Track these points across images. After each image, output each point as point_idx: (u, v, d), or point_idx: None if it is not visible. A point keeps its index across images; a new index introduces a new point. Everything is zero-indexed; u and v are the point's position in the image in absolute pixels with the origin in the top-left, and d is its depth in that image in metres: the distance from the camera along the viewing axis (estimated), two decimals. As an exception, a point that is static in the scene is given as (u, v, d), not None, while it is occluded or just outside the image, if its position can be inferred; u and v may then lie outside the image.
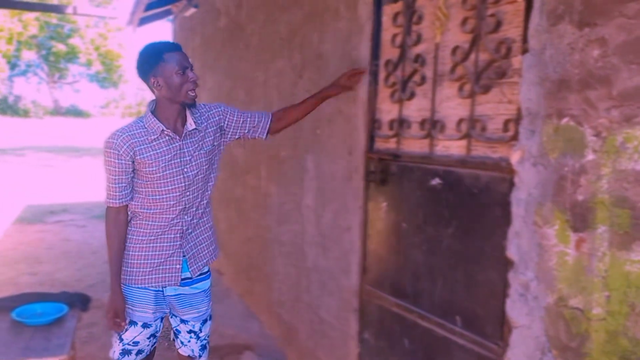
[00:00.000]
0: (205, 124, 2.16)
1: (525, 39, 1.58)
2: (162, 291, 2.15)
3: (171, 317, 2.27)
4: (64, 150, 18.77)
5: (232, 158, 4.92)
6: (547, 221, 1.46)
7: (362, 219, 2.45)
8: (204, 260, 2.22)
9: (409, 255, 2.10)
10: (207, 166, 2.16)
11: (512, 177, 1.62)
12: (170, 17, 8.26)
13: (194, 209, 2.15)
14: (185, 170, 2.07)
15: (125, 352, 2.13)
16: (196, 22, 6.38)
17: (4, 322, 2.52)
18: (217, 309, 4.30)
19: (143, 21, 7.68)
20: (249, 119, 2.32)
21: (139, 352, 2.16)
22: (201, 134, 2.12)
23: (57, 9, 8.63)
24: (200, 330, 2.26)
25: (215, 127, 2.20)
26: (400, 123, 2.13)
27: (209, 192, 2.23)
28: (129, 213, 2.12)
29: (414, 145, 2.07)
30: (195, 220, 2.16)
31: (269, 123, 2.36)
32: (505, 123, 1.66)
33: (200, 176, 2.13)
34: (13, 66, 31.29)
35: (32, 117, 31.89)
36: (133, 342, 2.13)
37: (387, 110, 2.23)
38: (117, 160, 1.98)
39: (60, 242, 6.47)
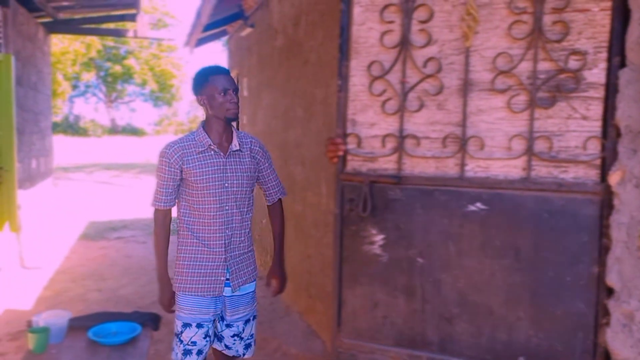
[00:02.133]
0: (248, 150, 2.39)
1: (610, 52, 1.49)
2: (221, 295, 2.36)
3: (216, 325, 2.44)
4: (122, 167, 19.46)
5: (289, 175, 4.93)
6: (654, 246, 1.36)
7: (338, 258, 1.90)
8: (244, 278, 2.41)
9: (430, 295, 1.73)
10: (247, 188, 2.36)
11: (602, 199, 1.51)
12: (226, 37, 8.45)
13: (235, 225, 2.35)
14: (226, 185, 2.29)
15: (186, 352, 2.32)
16: (252, 41, 6.48)
17: (81, 341, 2.57)
18: (278, 327, 4.29)
19: (199, 42, 7.89)
20: (270, 181, 2.51)
21: (199, 352, 2.33)
22: (243, 156, 2.36)
23: (119, 33, 8.99)
24: (243, 330, 2.44)
25: (253, 158, 2.41)
26: (402, 139, 1.74)
27: (250, 215, 2.44)
28: (176, 224, 2.36)
29: (425, 165, 1.71)
30: (237, 238, 2.36)
31: (273, 201, 2.55)
32: (584, 141, 1.54)
33: (239, 194, 2.33)
34: (73, 87, 32.85)
35: (90, 136, 33.33)
36: (192, 342, 2.32)
37: (371, 123, 1.79)
38: (167, 168, 2.26)
39: (122, 259, 6.65)
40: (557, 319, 1.60)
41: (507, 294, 1.63)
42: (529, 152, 1.59)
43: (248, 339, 2.47)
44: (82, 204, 11.20)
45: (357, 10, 1.77)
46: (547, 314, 1.60)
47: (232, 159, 2.32)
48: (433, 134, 1.70)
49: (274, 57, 5.44)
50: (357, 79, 1.80)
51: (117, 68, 33.08)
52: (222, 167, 2.28)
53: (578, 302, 1.56)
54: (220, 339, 2.43)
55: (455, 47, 1.66)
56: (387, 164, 1.78)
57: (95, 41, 29.07)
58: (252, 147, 2.42)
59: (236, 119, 2.31)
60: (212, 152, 2.28)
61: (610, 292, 1.52)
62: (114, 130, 36.36)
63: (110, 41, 30.53)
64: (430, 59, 1.68)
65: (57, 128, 30.88)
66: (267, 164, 2.47)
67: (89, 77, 33.54)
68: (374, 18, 1.74)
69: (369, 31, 1.76)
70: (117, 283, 5.51)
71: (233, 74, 7.92)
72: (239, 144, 2.34)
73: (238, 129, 2.44)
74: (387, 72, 1.74)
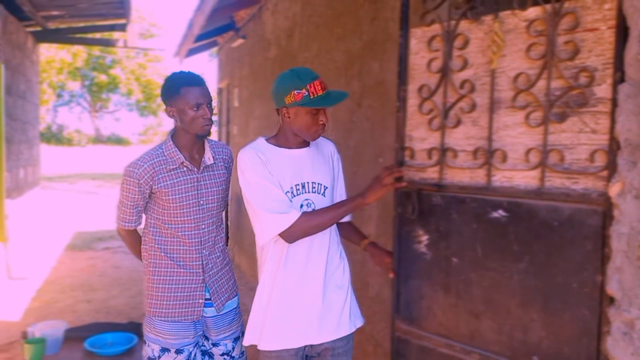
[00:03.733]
0: (221, 161, 2.24)
1: (616, 68, 1.54)
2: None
3: (202, 343, 2.27)
4: (106, 177, 19.28)
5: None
6: (654, 255, 1.40)
7: (396, 256, 2.14)
8: (226, 295, 2.26)
9: (461, 291, 1.93)
10: (221, 202, 2.23)
11: (605, 209, 1.55)
12: (215, 48, 8.47)
13: (211, 244, 2.20)
14: (201, 202, 2.13)
15: None
16: (244, 52, 6.51)
17: (77, 352, 2.56)
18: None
19: (189, 53, 7.89)
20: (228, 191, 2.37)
21: None
22: (217, 168, 2.21)
23: (109, 43, 8.97)
24: (233, 349, 2.28)
25: (227, 170, 2.28)
26: (444, 152, 1.98)
27: (223, 226, 2.30)
28: (148, 247, 2.18)
29: (462, 175, 1.93)
30: (213, 256, 2.21)
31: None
32: (591, 154, 1.60)
33: (215, 211, 2.19)
34: (58, 96, 32.56)
35: (75, 146, 32.99)
36: None
37: (422, 138, 2.05)
38: (137, 189, 2.07)
39: (111, 269, 6.59)
40: (565, 323, 1.66)
41: (522, 296, 1.75)
42: (543, 164, 1.68)
43: (239, 357, 2.30)
44: (67, 214, 11.08)
45: (413, 42, 2.06)
46: (556, 318, 1.67)
47: (206, 174, 2.15)
48: (468, 147, 1.90)
49: (266, 68, 5.47)
50: (412, 101, 2.06)
51: (103, 77, 32.88)
52: (195, 184, 2.11)
53: (583, 308, 1.61)
54: (211, 356, 2.27)
55: (486, 70, 1.84)
56: (432, 174, 2.02)
57: (81, 50, 28.91)
58: (224, 156, 2.26)
59: (208, 135, 2.15)
60: (185, 168, 2.10)
61: (611, 300, 1.56)
62: (98, 139, 36.04)
63: (96, 50, 30.37)
64: (465, 80, 1.88)
65: (40, 137, 30.59)
66: (229, 175, 2.33)
67: (74, 86, 33.29)
68: (424, 48, 2.01)
69: (421, 59, 2.03)
70: (107, 294, 5.46)
71: (223, 84, 7.94)
72: (213, 157, 2.18)
73: (227, 144, 2.31)
74: (433, 94, 1.98)
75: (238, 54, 6.85)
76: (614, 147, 1.55)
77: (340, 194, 2.13)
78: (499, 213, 1.79)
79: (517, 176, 1.76)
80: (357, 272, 3.29)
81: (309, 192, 1.94)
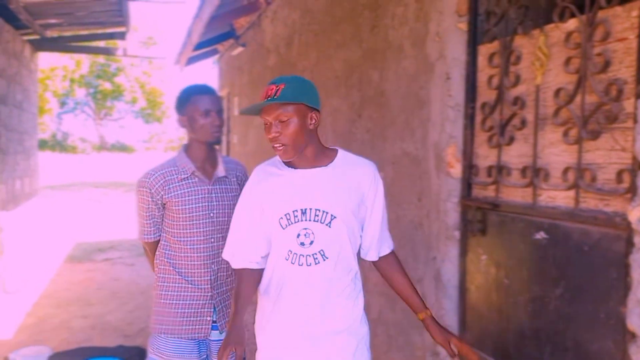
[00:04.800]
0: (234, 176, 2.22)
1: (638, 80, 1.41)
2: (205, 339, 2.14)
3: None
4: (110, 185, 19.21)
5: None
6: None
7: (460, 272, 2.23)
8: None
9: (513, 314, 1.90)
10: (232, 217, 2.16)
11: (629, 235, 1.41)
12: (216, 56, 8.38)
13: (221, 259, 2.09)
14: (212, 215, 2.10)
15: None
16: (244, 60, 6.40)
17: (61, 380, 2.42)
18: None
19: (190, 60, 7.80)
20: None
21: None
22: (229, 182, 2.18)
23: (109, 51, 8.89)
24: None
25: (239, 185, 2.23)
26: (499, 169, 1.96)
27: None
28: (158, 262, 2.16)
29: (514, 194, 1.90)
30: (223, 273, 2.16)
31: None
32: (618, 173, 1.47)
33: (226, 225, 2.11)
34: (62, 104, 32.60)
35: (79, 153, 32.99)
36: None
37: (485, 156, 2.07)
38: (150, 199, 2.06)
39: (109, 282, 6.45)
40: (594, 354, 1.58)
41: (557, 323, 1.69)
42: (577, 184, 1.61)
43: None
44: (69, 224, 10.97)
45: (480, 59, 2.09)
46: (586, 347, 1.58)
47: (218, 186, 2.13)
48: (520, 165, 1.88)
49: (266, 76, 5.35)
50: (478, 118, 2.10)
51: (107, 85, 32.91)
52: (207, 196, 2.09)
53: (609, 341, 1.50)
54: None
55: (534, 85, 1.81)
56: (491, 192, 2.02)
57: (83, 58, 28.95)
58: (238, 173, 2.24)
59: (218, 142, 2.13)
60: (196, 178, 2.09)
61: (632, 336, 1.42)
62: (102, 147, 36.05)
63: (100, 58, 30.45)
64: (517, 97, 1.86)
65: (44, 145, 30.60)
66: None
67: (79, 93, 33.34)
68: (486, 65, 2.05)
69: (484, 76, 2.06)
70: (103, 308, 5.32)
71: (224, 93, 7.82)
72: (225, 170, 2.17)
73: (227, 154, 2.27)
74: (492, 111, 1.99)
75: (238, 62, 6.74)
76: (635, 167, 1.41)
77: (372, 231, 1.71)
78: (541, 235, 1.74)
79: (559, 196, 1.68)
80: (358, 291, 3.14)
81: (309, 219, 1.62)
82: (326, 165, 1.65)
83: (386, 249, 1.76)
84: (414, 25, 2.50)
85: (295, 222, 1.62)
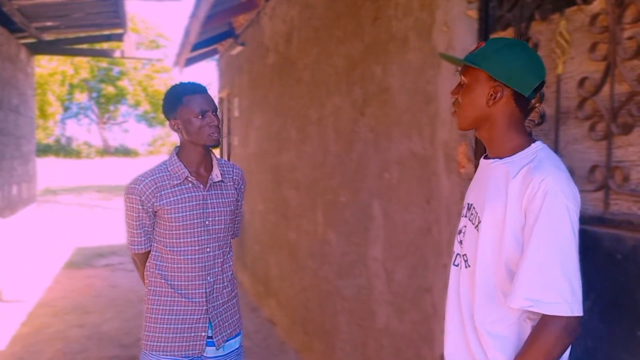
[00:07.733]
0: (230, 180, 2.08)
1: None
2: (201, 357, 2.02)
3: None
4: (113, 190, 19.09)
5: (283, 199, 4.64)
6: None
7: None
8: (229, 331, 2.07)
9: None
10: (229, 225, 2.06)
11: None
12: (216, 56, 8.22)
13: (217, 270, 2.01)
14: (207, 223, 1.96)
15: None
16: (243, 59, 6.24)
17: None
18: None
19: (189, 62, 7.65)
20: (237, 221, 2.19)
21: None
22: (226, 188, 2.04)
23: (106, 54, 8.77)
24: None
25: (236, 190, 2.11)
26: None
27: (232, 254, 2.11)
28: (149, 273, 2.02)
29: None
30: (219, 285, 2.03)
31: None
32: None
33: (222, 233, 2.01)
34: (65, 109, 32.55)
35: (83, 158, 32.93)
36: None
37: None
38: (140, 207, 1.91)
39: (107, 289, 6.31)
40: None
41: (586, 341, 1.48)
42: (606, 184, 1.42)
43: None
44: (69, 230, 10.85)
45: None
46: None
47: (213, 192, 1.98)
48: None
49: (265, 75, 5.19)
50: None
51: (110, 89, 32.85)
52: (201, 202, 1.95)
53: None
54: None
55: (555, 75, 1.64)
56: None
57: (83, 62, 28.85)
58: (234, 177, 2.10)
59: (218, 144, 1.98)
60: (190, 184, 1.94)
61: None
62: (106, 151, 36.01)
63: (103, 62, 30.39)
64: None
65: (48, 150, 30.54)
66: (241, 199, 2.16)
67: (81, 98, 33.29)
68: None
69: None
70: (100, 317, 5.17)
71: (224, 94, 7.67)
72: (221, 174, 2.02)
73: (228, 156, 2.10)
74: None
75: (237, 61, 6.58)
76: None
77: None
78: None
79: (586, 198, 1.50)
80: (363, 300, 2.96)
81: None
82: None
83: None
84: (419, 15, 2.33)
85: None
